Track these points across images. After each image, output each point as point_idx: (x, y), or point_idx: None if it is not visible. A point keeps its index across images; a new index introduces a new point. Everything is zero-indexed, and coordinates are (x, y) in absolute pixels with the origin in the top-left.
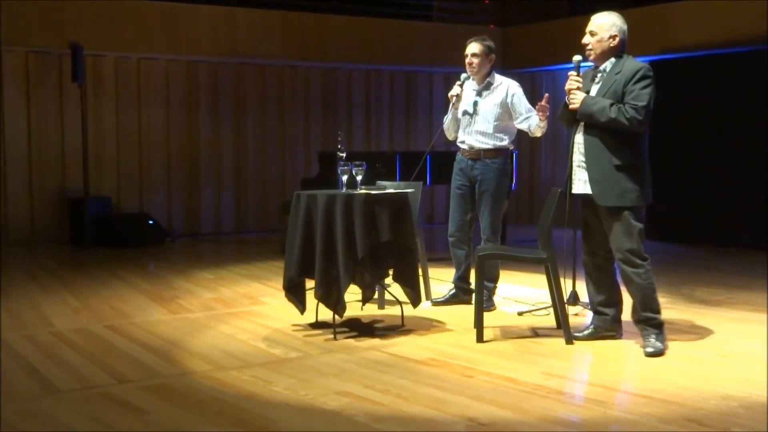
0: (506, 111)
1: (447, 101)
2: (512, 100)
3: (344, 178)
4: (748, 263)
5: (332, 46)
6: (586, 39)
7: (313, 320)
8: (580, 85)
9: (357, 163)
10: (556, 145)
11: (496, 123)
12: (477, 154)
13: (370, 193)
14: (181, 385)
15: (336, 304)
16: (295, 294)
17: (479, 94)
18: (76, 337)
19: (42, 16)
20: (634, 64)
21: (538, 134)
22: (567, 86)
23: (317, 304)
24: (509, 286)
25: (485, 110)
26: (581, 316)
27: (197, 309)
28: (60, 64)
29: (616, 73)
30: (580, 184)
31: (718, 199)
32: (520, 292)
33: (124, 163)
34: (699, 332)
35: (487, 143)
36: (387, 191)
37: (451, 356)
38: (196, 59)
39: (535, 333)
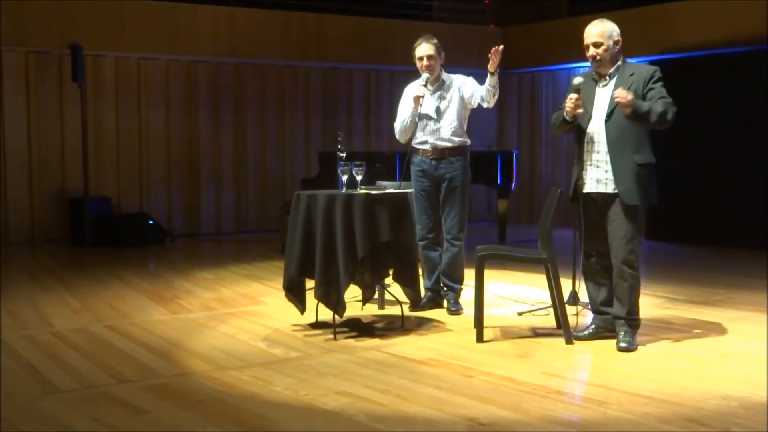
0: (463, 106)
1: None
2: (463, 88)
3: (344, 178)
4: (748, 263)
5: (332, 46)
6: (592, 51)
7: (313, 320)
8: (581, 109)
9: (357, 163)
10: (556, 145)
11: (458, 121)
12: (441, 153)
13: (370, 193)
14: (181, 385)
15: (336, 304)
16: (295, 294)
17: (435, 93)
18: (76, 337)
19: (42, 16)
20: (643, 66)
21: (492, 100)
22: (569, 107)
23: (317, 304)
24: (509, 286)
25: (446, 109)
26: (581, 316)
27: (197, 309)
28: (60, 64)
29: (630, 75)
30: (592, 183)
31: (718, 199)
32: (520, 292)
33: (124, 163)
34: (699, 332)
35: (452, 141)
36: (387, 191)
37: (451, 356)
38: (196, 59)
39: (535, 333)
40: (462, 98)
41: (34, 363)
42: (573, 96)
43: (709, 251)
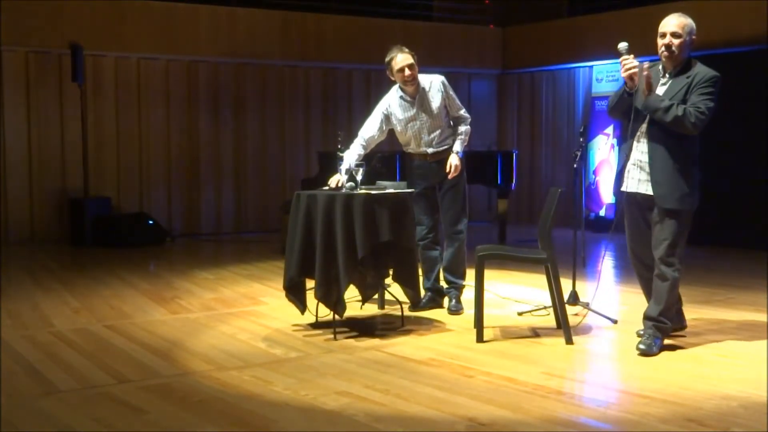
0: (445, 103)
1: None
2: (448, 94)
3: (344, 178)
4: (748, 263)
5: (332, 46)
6: (668, 40)
7: (313, 320)
8: (636, 65)
9: (357, 163)
10: (556, 145)
11: (445, 124)
12: (440, 156)
13: (370, 193)
14: (181, 385)
15: (336, 304)
16: (295, 294)
17: (419, 107)
18: (76, 337)
19: (42, 16)
20: (707, 71)
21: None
22: (627, 69)
23: (317, 304)
24: (509, 286)
25: (433, 116)
26: (581, 316)
27: (197, 309)
28: (60, 64)
29: (687, 77)
30: (634, 182)
31: (719, 199)
32: (520, 292)
33: (124, 163)
34: (699, 332)
35: (447, 143)
36: (387, 191)
37: (451, 356)
38: (196, 59)
39: (535, 333)
40: (445, 99)
41: (34, 363)
42: (626, 57)
43: (709, 251)
